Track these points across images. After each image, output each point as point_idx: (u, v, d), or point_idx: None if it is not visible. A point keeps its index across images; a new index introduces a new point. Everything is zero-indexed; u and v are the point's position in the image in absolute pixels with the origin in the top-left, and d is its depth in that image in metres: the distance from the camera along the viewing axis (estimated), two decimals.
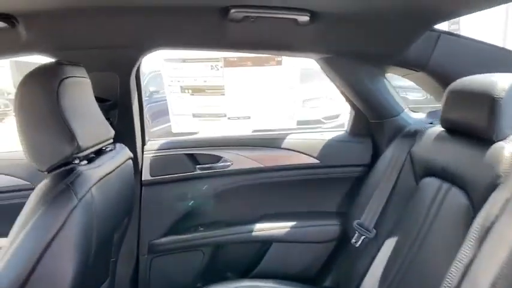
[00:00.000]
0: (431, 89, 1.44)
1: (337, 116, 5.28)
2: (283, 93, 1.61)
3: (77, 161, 0.95)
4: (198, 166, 1.53)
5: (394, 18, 1.19)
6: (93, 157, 1.04)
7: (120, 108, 1.42)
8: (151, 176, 1.52)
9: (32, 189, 1.60)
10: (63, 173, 0.91)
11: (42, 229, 0.78)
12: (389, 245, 1.14)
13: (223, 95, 1.58)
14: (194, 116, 1.62)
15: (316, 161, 1.57)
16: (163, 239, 1.56)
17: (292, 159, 1.56)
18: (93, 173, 0.96)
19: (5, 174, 1.57)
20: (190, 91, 1.56)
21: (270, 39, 1.31)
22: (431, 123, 1.30)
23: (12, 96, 12.50)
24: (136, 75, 1.47)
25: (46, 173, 0.93)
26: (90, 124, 1.02)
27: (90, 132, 1.00)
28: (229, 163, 1.53)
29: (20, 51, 1.27)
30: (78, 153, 0.92)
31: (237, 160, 1.54)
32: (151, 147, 1.55)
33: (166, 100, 1.56)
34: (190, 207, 1.56)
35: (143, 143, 1.54)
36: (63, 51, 1.29)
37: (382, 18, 1.20)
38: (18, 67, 15.45)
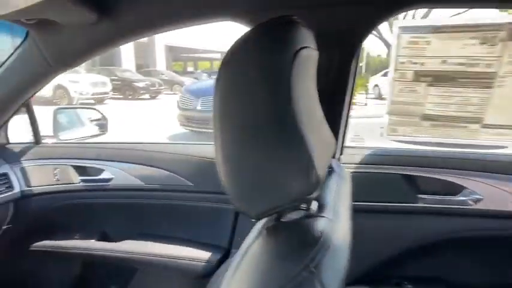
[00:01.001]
0: None
1: None
2: None
3: (304, 205, 0.51)
4: (420, 196, 1.06)
5: None
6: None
7: (328, 101, 0.96)
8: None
9: (196, 192, 1.37)
10: (295, 234, 0.48)
11: None
12: None
13: (490, 87, 0.97)
14: (425, 118, 1.05)
15: None
16: None
17: None
18: (338, 240, 0.51)
19: (166, 170, 1.32)
20: (429, 79, 0.99)
21: None
22: None
23: (165, 77, 14.03)
24: (357, 55, 0.98)
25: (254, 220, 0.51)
26: (321, 134, 0.58)
27: (323, 149, 0.56)
28: (475, 197, 0.99)
29: (207, 15, 0.93)
30: (313, 190, 0.48)
31: (492, 195, 1.03)
32: (349, 158, 1.10)
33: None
34: (401, 252, 1.12)
35: (341, 152, 1.08)
36: (264, 14, 0.90)
37: None
38: (171, 50, 17.43)
